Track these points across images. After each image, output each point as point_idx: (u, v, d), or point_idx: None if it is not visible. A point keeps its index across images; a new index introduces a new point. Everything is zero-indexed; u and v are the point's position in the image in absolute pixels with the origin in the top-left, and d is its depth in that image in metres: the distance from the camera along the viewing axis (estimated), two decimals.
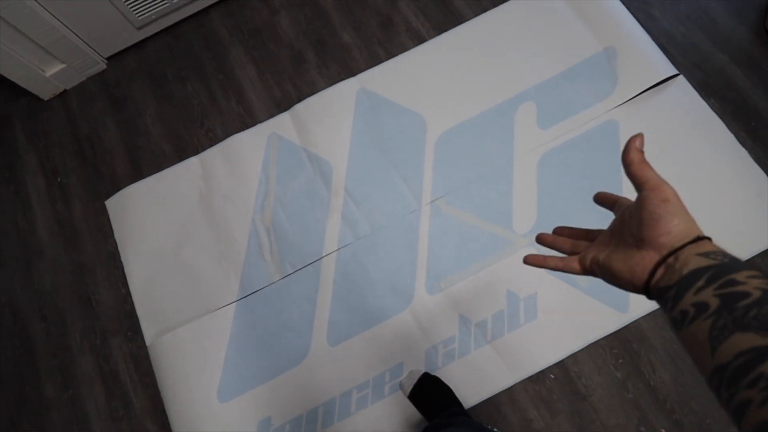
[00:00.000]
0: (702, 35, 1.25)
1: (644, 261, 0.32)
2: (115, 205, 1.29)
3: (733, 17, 1.25)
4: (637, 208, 0.33)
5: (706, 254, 0.29)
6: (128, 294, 1.21)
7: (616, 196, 0.39)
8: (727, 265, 0.28)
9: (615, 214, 0.38)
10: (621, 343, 1.04)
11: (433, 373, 1.04)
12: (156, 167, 1.31)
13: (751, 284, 0.26)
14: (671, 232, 0.31)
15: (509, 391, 1.03)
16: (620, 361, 1.03)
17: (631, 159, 0.33)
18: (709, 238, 0.31)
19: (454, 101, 1.25)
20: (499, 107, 1.23)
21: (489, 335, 1.07)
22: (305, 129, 1.28)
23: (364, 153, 1.24)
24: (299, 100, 1.31)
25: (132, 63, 1.43)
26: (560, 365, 1.04)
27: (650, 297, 0.33)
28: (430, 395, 1.00)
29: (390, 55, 1.33)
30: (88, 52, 1.36)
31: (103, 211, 1.30)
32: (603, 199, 0.40)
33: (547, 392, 1.02)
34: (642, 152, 0.33)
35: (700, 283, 0.28)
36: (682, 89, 1.20)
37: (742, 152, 1.14)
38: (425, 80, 1.28)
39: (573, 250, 0.40)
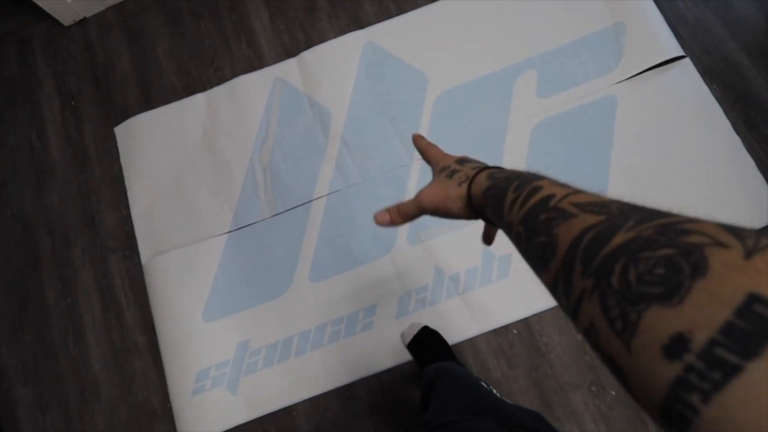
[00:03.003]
0: (715, 19, 1.23)
1: (453, 181, 0.38)
2: (123, 132, 1.35)
3: (750, 2, 1.23)
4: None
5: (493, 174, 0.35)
6: (129, 216, 1.29)
7: (426, 148, 0.46)
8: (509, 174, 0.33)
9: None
10: None
11: (420, 323, 1.08)
12: (165, 100, 1.36)
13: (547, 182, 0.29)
14: (454, 157, 0.41)
15: (472, 341, 1.09)
16: None
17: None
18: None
19: (457, 62, 1.27)
20: (501, 72, 1.24)
21: (461, 288, 1.12)
22: (310, 76, 1.31)
23: (364, 104, 1.27)
24: (308, 47, 1.34)
25: None
26: (524, 322, 1.09)
27: (483, 219, 0.36)
28: (426, 347, 1.04)
29: (401, 10, 1.34)
30: None
31: (112, 137, 1.36)
32: (416, 143, 0.48)
33: (509, 345, 1.08)
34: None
35: (513, 186, 0.30)
36: (687, 72, 1.20)
37: (736, 140, 1.14)
38: (432, 38, 1.30)
39: None
